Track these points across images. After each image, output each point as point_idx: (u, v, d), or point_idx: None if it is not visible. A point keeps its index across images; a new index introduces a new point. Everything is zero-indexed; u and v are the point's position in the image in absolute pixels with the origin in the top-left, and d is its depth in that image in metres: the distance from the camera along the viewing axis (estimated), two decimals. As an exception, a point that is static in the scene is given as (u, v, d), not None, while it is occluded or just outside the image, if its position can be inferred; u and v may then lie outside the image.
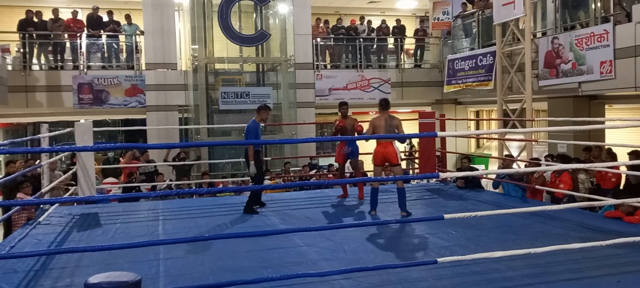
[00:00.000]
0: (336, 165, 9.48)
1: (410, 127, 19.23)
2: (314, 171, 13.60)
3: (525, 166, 9.44)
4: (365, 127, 8.17)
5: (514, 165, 10.71)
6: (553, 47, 13.22)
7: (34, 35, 15.49)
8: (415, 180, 12.04)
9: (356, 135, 8.43)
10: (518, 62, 14.09)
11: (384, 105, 7.76)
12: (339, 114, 8.93)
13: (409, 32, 19.62)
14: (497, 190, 9.32)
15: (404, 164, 17.32)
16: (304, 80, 17.25)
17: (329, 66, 18.59)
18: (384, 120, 7.64)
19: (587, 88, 12.44)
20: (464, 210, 7.71)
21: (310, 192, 10.22)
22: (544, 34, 14.03)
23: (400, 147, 8.60)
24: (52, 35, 15.76)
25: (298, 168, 14.14)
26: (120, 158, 13.13)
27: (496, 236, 6.47)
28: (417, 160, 11.98)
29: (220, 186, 11.81)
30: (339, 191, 9.49)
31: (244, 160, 7.95)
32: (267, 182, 11.59)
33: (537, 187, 8.67)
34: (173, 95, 16.33)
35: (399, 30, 18.93)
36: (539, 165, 9.22)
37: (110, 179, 11.66)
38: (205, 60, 15.79)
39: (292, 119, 16.34)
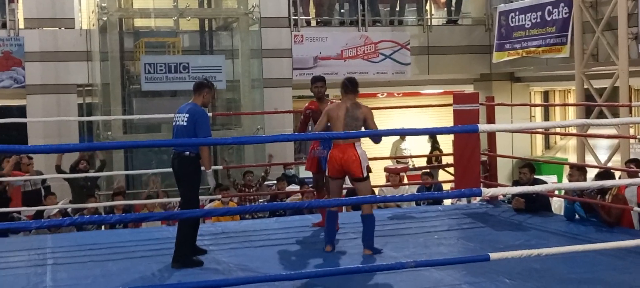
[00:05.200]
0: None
1: (438, 117, 19.43)
2: (292, 186, 13.57)
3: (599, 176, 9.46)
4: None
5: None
6: (661, -7, 13.33)
7: None
8: (451, 200, 12.06)
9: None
10: (607, 15, 14.17)
11: (349, 86, 7.84)
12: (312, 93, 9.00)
13: (439, -31, 19.73)
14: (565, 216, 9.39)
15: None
16: (275, 45, 17.22)
17: (314, 22, 18.54)
18: (344, 109, 7.70)
19: None
20: (523, 246, 7.71)
21: (283, 219, 10.17)
22: (647, -29, 14.14)
23: (372, 148, 8.61)
24: None
25: (272, 183, 14.10)
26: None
27: None
28: (447, 170, 11.99)
29: (144, 211, 11.73)
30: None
31: (174, 170, 7.82)
32: (212, 205, 11.54)
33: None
34: (69, 69, 16.23)
35: (423, -33, 19.02)
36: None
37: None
38: (118, 13, 15.71)
39: (256, 105, 16.28)
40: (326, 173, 7.98)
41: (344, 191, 10.91)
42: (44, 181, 13.00)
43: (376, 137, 7.82)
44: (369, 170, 7.85)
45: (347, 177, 8.02)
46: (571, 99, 21.58)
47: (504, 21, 17.16)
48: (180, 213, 7.01)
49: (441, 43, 18.68)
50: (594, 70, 14.98)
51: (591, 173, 10.45)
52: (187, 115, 7.49)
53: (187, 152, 7.42)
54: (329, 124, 7.88)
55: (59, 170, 12.99)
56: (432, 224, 9.45)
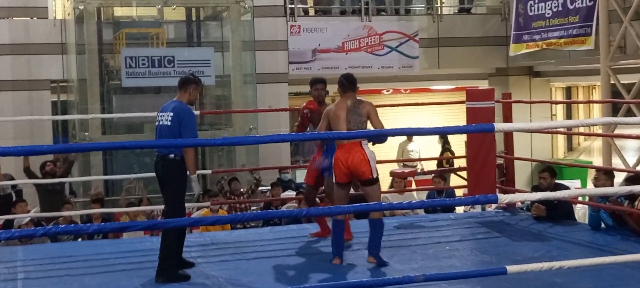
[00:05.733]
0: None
1: (449, 115, 19.42)
2: (288, 193, 13.55)
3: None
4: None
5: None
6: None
7: None
8: (464, 207, 12.05)
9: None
10: (636, 3, 14.17)
11: (346, 84, 7.91)
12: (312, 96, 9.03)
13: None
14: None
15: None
16: (269, 36, 17.24)
17: (312, 11, 18.53)
18: (345, 107, 7.74)
19: None
20: (543, 258, 7.71)
21: (278, 228, 10.18)
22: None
23: (375, 148, 8.59)
24: None
25: (266, 188, 14.11)
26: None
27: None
28: (459, 174, 11.99)
29: (124, 220, 11.74)
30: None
31: (157, 174, 7.81)
32: (200, 213, 11.54)
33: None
34: (41, 63, 16.23)
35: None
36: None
37: None
38: (96, 2, 15.71)
39: (248, 103, 16.28)
40: (333, 180, 7.94)
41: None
42: (15, 186, 12.97)
43: (379, 136, 7.84)
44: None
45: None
46: (596, 96, 21.61)
47: (522, 10, 17.17)
48: (164, 222, 7.00)
49: (453, 34, 18.70)
50: (622, 64, 14.98)
51: (618, 177, 10.47)
52: (172, 114, 7.50)
53: (172, 155, 7.42)
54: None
55: (28, 172, 12.97)
56: (443, 234, 9.45)
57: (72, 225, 10.62)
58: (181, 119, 7.45)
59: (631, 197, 8.85)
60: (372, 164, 7.64)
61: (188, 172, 7.54)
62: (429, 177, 14.18)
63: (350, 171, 7.66)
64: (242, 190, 13.67)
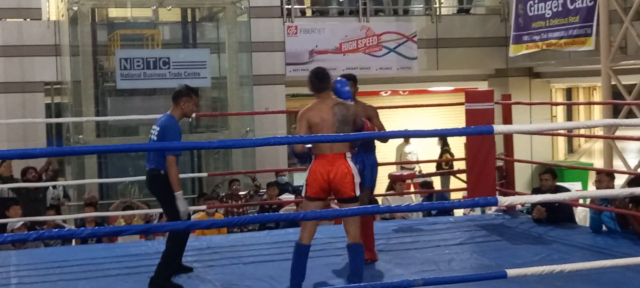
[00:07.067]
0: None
1: (448, 117, 19.43)
2: (286, 196, 13.56)
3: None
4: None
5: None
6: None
7: None
8: (462, 210, 12.06)
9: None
10: (637, 3, 14.17)
11: (319, 82, 7.00)
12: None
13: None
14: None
15: (437, 184, 17.32)
16: (265, 37, 17.24)
17: (309, 12, 18.53)
18: (330, 110, 6.90)
19: None
20: (544, 262, 7.73)
21: (276, 232, 10.17)
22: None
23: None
24: None
25: (263, 192, 14.11)
26: None
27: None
28: (458, 176, 12.01)
29: (120, 223, 11.73)
30: (325, 231, 9.49)
31: (148, 185, 7.74)
32: (198, 217, 11.54)
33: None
34: (35, 65, 16.23)
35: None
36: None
37: None
38: (91, 3, 15.71)
39: (244, 105, 16.28)
40: (302, 194, 7.06)
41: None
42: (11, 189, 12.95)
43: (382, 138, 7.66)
44: (361, 190, 7.12)
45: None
46: (597, 97, 21.63)
47: (522, 10, 17.18)
48: (159, 226, 7.00)
49: (452, 35, 18.72)
50: (623, 65, 15.00)
51: (619, 179, 10.49)
52: (158, 128, 7.41)
53: (162, 171, 7.25)
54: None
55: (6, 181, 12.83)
56: (442, 237, 9.46)
57: (67, 229, 10.60)
58: (164, 135, 7.33)
59: (636, 200, 8.86)
60: (356, 180, 6.83)
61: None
62: (428, 179, 14.20)
63: (330, 186, 6.82)
64: (240, 193, 13.65)
